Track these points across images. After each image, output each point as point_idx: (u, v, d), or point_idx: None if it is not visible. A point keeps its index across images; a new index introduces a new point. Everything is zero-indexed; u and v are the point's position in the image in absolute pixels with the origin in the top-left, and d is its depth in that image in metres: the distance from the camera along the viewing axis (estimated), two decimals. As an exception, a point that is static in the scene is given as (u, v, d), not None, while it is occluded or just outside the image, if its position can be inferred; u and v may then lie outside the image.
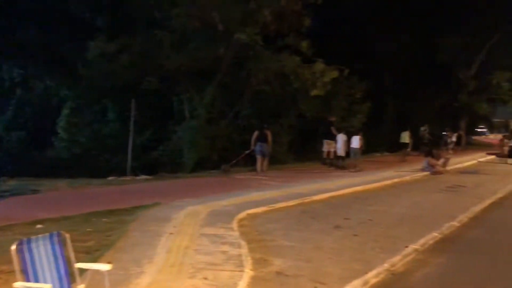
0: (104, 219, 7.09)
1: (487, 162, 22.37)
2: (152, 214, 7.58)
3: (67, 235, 3.37)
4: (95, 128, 18.79)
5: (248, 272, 4.93)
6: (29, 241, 3.07)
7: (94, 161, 17.06)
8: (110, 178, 12.96)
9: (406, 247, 6.25)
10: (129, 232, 6.38)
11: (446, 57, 28.55)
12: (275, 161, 16.92)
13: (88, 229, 6.40)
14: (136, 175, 13.90)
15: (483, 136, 50.74)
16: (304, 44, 15.59)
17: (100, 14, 18.05)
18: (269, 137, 13.96)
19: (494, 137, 49.65)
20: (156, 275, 4.71)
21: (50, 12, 18.48)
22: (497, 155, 22.50)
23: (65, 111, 18.70)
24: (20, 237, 3.25)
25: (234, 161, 14.63)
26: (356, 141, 16.30)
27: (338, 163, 16.13)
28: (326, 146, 16.26)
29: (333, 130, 16.09)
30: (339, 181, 12.63)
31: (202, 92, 16.12)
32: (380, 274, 5.23)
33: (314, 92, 15.94)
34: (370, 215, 8.38)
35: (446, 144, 25.21)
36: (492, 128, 55.17)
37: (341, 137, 15.89)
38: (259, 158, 13.97)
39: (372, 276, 5.11)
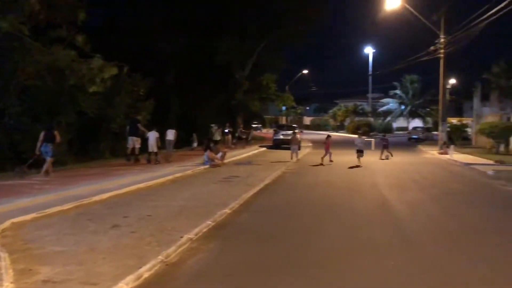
0: None
1: (260, 153, 25.11)
2: None
3: None
4: None
5: (7, 286, 4.48)
6: None
7: None
8: None
9: (181, 237, 6.60)
10: None
11: (224, 58, 30.95)
12: (54, 162, 15.62)
13: None
14: None
15: (258, 131, 56.65)
16: (80, 38, 14.73)
17: None
18: (58, 138, 13.13)
19: (266, 132, 56.03)
20: None
21: None
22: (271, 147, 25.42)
23: None
24: None
25: (30, 161, 13.14)
26: (171, 134, 18.55)
27: (151, 158, 17.05)
28: (131, 142, 16.89)
29: (140, 127, 17.00)
30: (122, 180, 12.43)
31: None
32: (154, 267, 5.38)
33: (92, 89, 15.23)
34: (150, 210, 8.53)
35: (239, 138, 27.76)
36: (264, 124, 62.10)
37: (153, 134, 17.00)
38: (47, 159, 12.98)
39: (146, 269, 5.22)
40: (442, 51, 25.33)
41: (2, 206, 8.33)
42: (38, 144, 12.83)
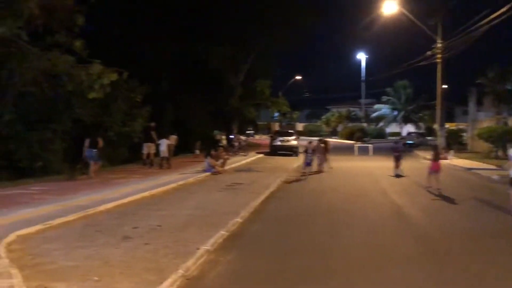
0: None
1: (258, 160, 24.83)
2: None
3: None
4: None
5: (23, 306, 4.13)
6: None
7: None
8: None
9: (198, 249, 6.28)
10: None
11: (217, 64, 30.66)
12: (49, 171, 15.20)
13: None
14: None
15: (251, 138, 56.44)
16: (78, 44, 14.22)
17: None
18: (100, 143, 14.96)
19: (259, 138, 55.83)
20: None
21: None
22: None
23: None
24: None
25: (79, 166, 14.97)
26: (173, 140, 20.40)
27: (162, 163, 18.10)
28: (146, 149, 18.30)
29: (153, 135, 18.37)
30: (124, 188, 12.06)
31: None
32: (176, 282, 5.07)
33: (91, 95, 14.74)
34: (159, 220, 8.20)
35: (238, 146, 27.56)
36: (257, 130, 61.93)
37: (165, 142, 18.42)
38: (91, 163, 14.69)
39: (168, 285, 4.91)
40: (439, 56, 25.32)
41: (3, 217, 7.95)
42: (84, 149, 14.68)
